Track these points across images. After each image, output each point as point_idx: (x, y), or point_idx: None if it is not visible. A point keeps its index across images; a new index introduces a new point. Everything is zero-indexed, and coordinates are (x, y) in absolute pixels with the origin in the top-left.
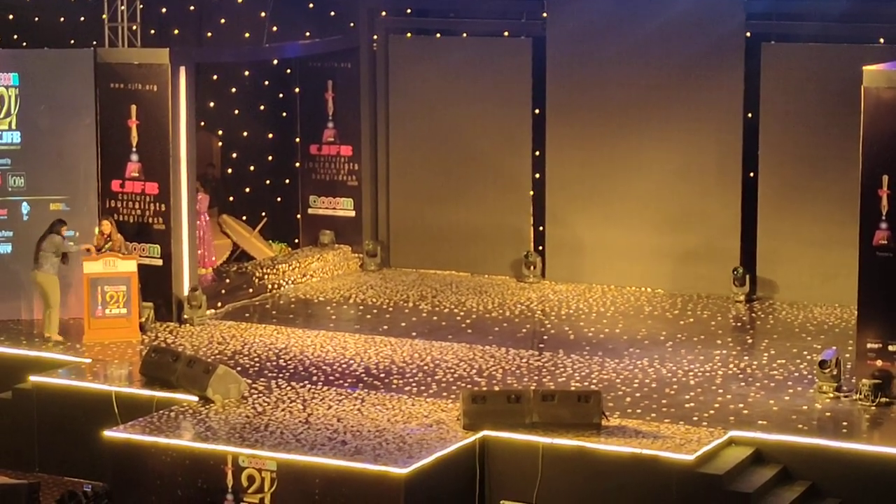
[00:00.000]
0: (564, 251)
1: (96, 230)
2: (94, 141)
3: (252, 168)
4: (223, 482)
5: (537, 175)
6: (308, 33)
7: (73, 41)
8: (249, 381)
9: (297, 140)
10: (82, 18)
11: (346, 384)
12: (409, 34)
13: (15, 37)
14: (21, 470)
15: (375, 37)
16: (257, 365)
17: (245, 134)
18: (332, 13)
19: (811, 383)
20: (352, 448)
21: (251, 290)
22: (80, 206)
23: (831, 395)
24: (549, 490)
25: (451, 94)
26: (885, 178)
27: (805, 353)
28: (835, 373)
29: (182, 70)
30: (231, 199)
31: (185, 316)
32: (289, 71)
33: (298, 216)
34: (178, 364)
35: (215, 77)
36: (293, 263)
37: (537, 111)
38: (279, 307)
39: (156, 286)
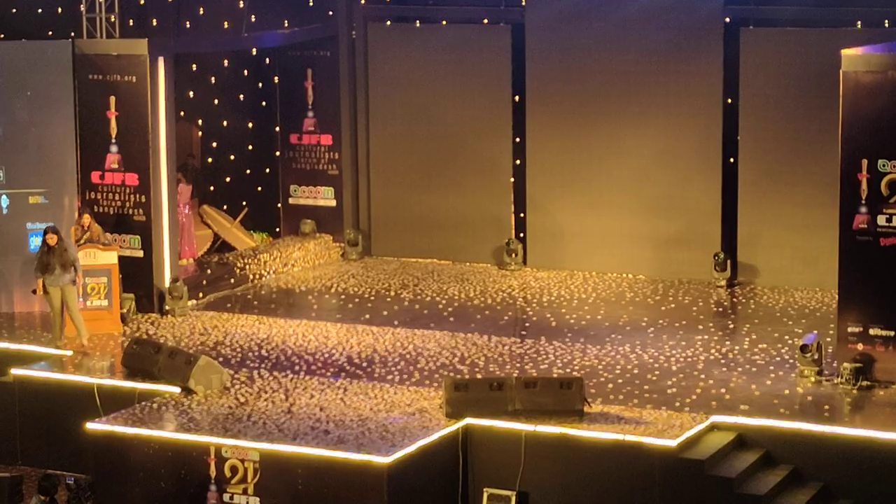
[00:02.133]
0: (545, 238)
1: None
2: (73, 133)
3: (232, 158)
4: (206, 473)
5: (518, 162)
6: (287, 22)
7: (50, 32)
8: (231, 372)
9: (277, 129)
10: (60, 10)
11: (329, 373)
12: (388, 22)
13: None
14: (3, 463)
15: (354, 25)
16: (239, 355)
17: (225, 124)
18: (311, 2)
19: (793, 368)
20: (334, 437)
21: (233, 281)
22: (59, 198)
23: (813, 379)
24: (533, 477)
25: (431, 82)
26: (865, 162)
27: (786, 337)
28: (816, 357)
29: (161, 60)
30: (212, 189)
31: (167, 307)
32: (268, 60)
33: (279, 206)
34: (160, 355)
35: (194, 67)
36: (274, 253)
37: (517, 98)
38: (261, 297)
39: (137, 277)
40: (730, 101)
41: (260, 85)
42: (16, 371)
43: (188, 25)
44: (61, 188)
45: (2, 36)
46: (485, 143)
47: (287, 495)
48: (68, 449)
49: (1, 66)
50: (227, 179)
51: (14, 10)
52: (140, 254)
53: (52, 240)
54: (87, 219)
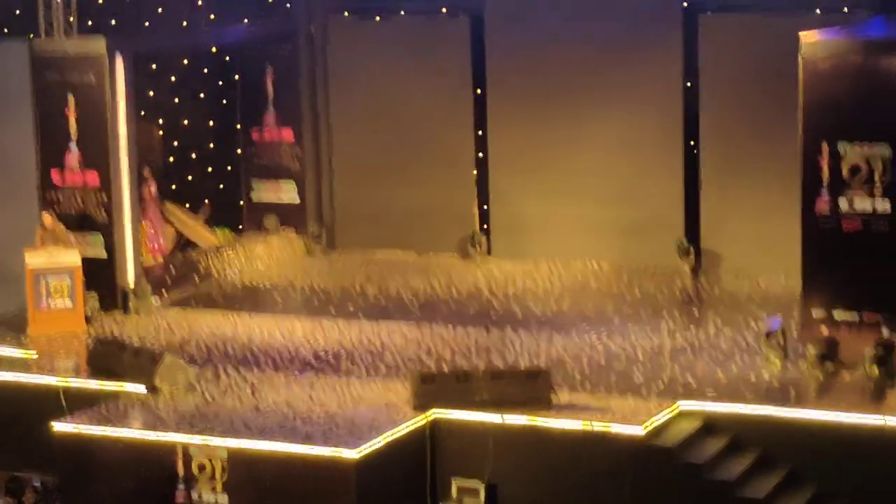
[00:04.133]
0: (509, 228)
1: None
2: (31, 133)
3: (194, 156)
4: (174, 471)
5: (480, 154)
6: (246, 20)
7: (6, 30)
8: (197, 370)
9: (238, 126)
10: (17, 12)
11: (295, 369)
12: (346, 13)
13: None
14: None
15: (313, 18)
16: (205, 353)
17: (186, 122)
18: None
19: (758, 353)
20: (303, 433)
21: (197, 278)
22: (19, 199)
23: (779, 364)
24: (502, 468)
25: (392, 75)
26: (825, 147)
27: (751, 322)
28: (781, 342)
29: (119, 59)
30: (174, 187)
31: (131, 306)
32: (228, 58)
33: (241, 202)
34: (125, 354)
35: (154, 66)
36: (238, 250)
37: (478, 91)
38: (225, 294)
39: (100, 277)
40: (689, 85)
41: (220, 83)
42: None
43: (147, 24)
44: (21, 189)
45: None
46: (447, 135)
47: (256, 492)
48: (35, 450)
49: None
50: (189, 178)
51: None
52: (103, 253)
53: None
54: (48, 218)
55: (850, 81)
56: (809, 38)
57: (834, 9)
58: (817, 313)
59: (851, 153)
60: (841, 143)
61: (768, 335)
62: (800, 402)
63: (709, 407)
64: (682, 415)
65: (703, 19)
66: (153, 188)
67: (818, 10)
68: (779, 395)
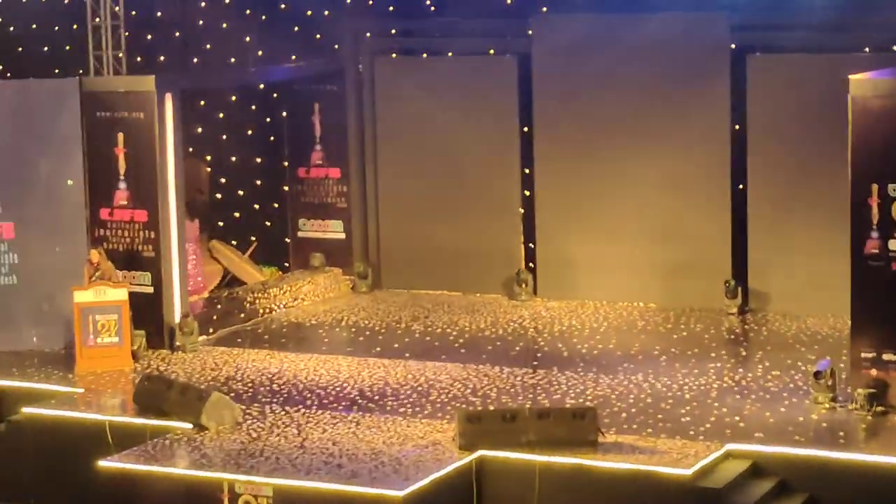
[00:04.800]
0: (555, 268)
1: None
2: (81, 170)
3: (241, 193)
4: None
5: (527, 192)
6: (294, 57)
7: (57, 70)
8: (243, 407)
9: (285, 164)
10: (67, 48)
11: (341, 407)
12: (394, 55)
13: None
14: (15, 502)
15: (361, 58)
16: (251, 390)
17: (233, 159)
18: (318, 36)
19: (806, 394)
20: (348, 471)
21: (243, 315)
22: (68, 235)
23: (827, 405)
24: None
25: (439, 114)
26: (875, 188)
27: (799, 363)
28: (830, 383)
29: (168, 96)
30: (220, 224)
31: (177, 343)
32: (275, 95)
33: (288, 240)
34: (172, 392)
35: (202, 103)
36: (284, 287)
37: (525, 129)
38: (271, 331)
39: (147, 314)
40: (738, 127)
41: (268, 120)
42: (27, 409)
43: (195, 61)
44: (70, 226)
45: (9, 75)
46: (493, 174)
47: None
48: (80, 487)
49: (9, 106)
50: (236, 214)
51: (20, 49)
52: (150, 290)
53: (96, 256)
54: (95, 255)
55: None
56: (859, 78)
57: (883, 48)
58: (866, 355)
59: None
60: (891, 184)
61: (817, 376)
62: (848, 444)
63: (756, 448)
64: (730, 456)
65: (752, 60)
66: (193, 226)
67: (867, 49)
68: (827, 437)
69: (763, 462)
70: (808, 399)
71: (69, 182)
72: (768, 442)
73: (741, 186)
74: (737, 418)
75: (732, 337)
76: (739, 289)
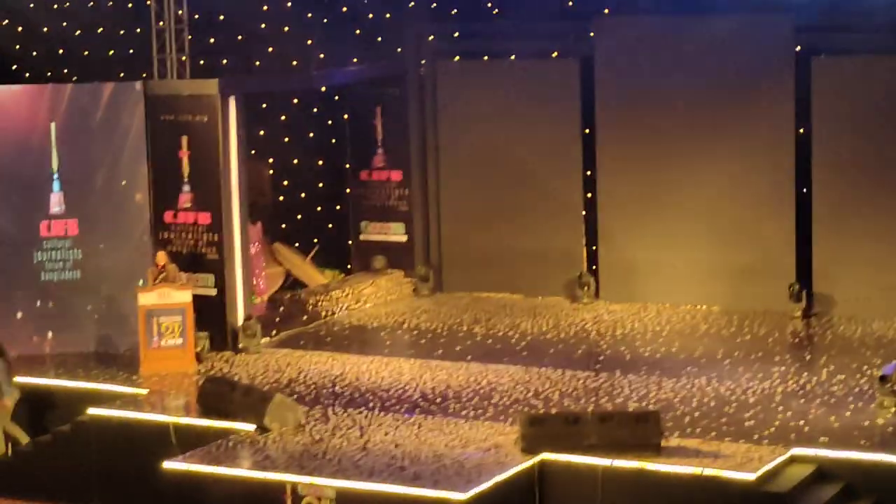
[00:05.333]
0: (618, 271)
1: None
2: (146, 173)
3: (303, 195)
4: None
5: (589, 195)
6: (355, 59)
7: (122, 74)
8: (306, 409)
9: (347, 166)
10: (131, 51)
11: (403, 410)
12: (456, 57)
13: (65, 71)
14: (80, 502)
15: (423, 61)
16: (313, 392)
17: (295, 161)
18: (379, 38)
19: (872, 398)
20: (410, 474)
21: (305, 318)
22: (133, 238)
23: (893, 409)
24: None
25: (500, 117)
26: None
27: (865, 367)
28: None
29: (231, 100)
30: (283, 226)
31: (241, 345)
32: (337, 97)
33: (350, 242)
34: (235, 393)
35: (264, 105)
36: (346, 290)
37: (587, 130)
38: (333, 334)
39: (210, 316)
40: (802, 130)
41: (329, 122)
42: (92, 410)
43: (258, 64)
44: (135, 228)
45: (75, 79)
46: (555, 176)
47: None
48: (145, 488)
49: (74, 109)
50: (299, 217)
51: (86, 53)
52: (213, 292)
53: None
54: (161, 257)
55: None
56: None
57: None
58: None
59: None
60: None
61: (883, 380)
62: None
63: (822, 453)
64: (795, 460)
65: (817, 62)
66: (255, 229)
67: None
68: (893, 441)
69: (828, 466)
70: (873, 403)
71: (123, 182)
72: (833, 446)
73: (805, 189)
74: (801, 422)
75: (797, 340)
76: (804, 292)
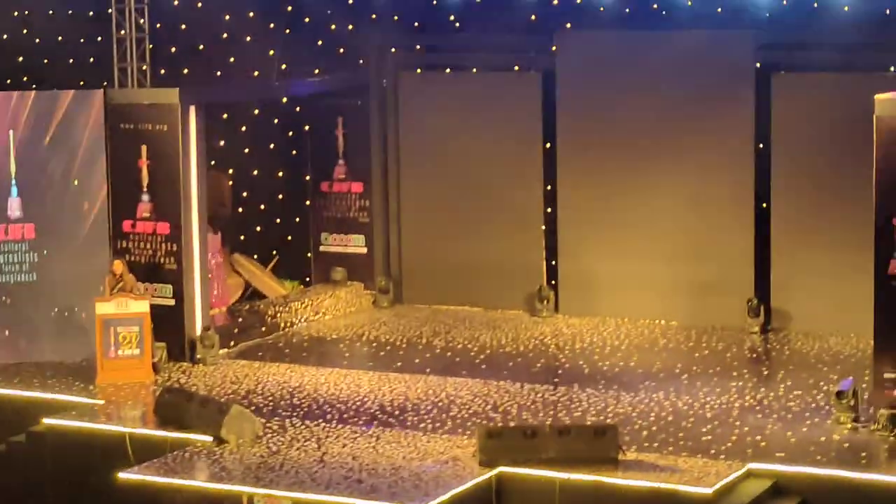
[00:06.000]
0: (577, 285)
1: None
2: (105, 182)
3: (263, 206)
4: None
5: (549, 209)
6: (317, 70)
7: (82, 83)
8: (263, 421)
9: (308, 178)
10: (91, 59)
11: (361, 422)
12: (418, 70)
13: (24, 79)
14: None
15: (385, 73)
16: (271, 404)
17: (255, 172)
18: (342, 50)
19: (828, 414)
20: (367, 486)
21: (264, 329)
22: (90, 247)
23: (849, 425)
24: None
25: (462, 129)
26: None
27: (822, 383)
28: (852, 403)
29: (192, 109)
30: (242, 238)
31: (198, 356)
32: (298, 109)
33: (310, 254)
34: (192, 404)
35: (225, 116)
36: (305, 301)
37: (548, 145)
38: (292, 345)
39: (168, 326)
40: (761, 146)
41: (290, 133)
42: (48, 420)
43: (219, 74)
44: (92, 237)
45: (34, 87)
46: (516, 190)
47: None
48: (100, 498)
49: (33, 116)
50: (258, 228)
51: (46, 61)
52: (171, 302)
53: (119, 267)
54: (118, 266)
55: None
56: (885, 97)
57: None
58: (889, 375)
59: None
60: None
61: (839, 396)
62: (870, 465)
63: (778, 468)
64: (751, 475)
65: (777, 79)
66: (215, 240)
67: (893, 69)
68: (849, 457)
69: (784, 482)
70: (830, 419)
71: (76, 187)
72: (790, 461)
73: (764, 205)
74: (758, 437)
75: (754, 356)
76: (762, 307)
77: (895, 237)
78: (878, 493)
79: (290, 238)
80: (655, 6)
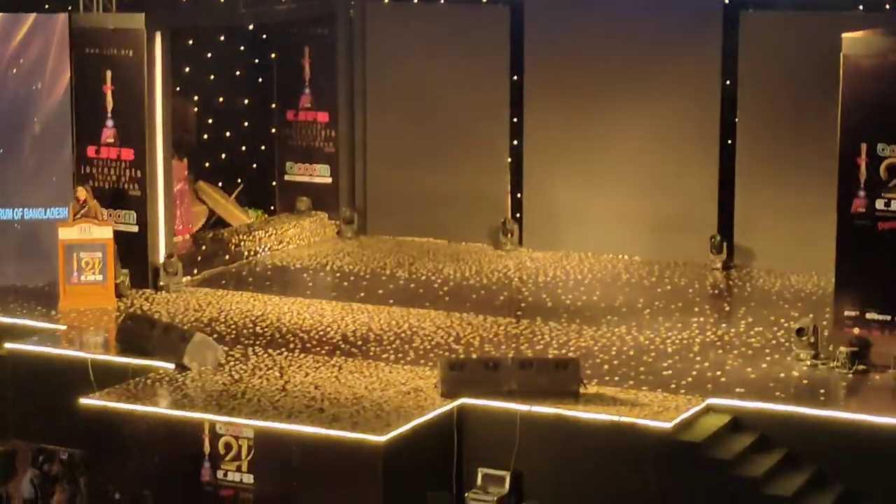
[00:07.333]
0: (541, 218)
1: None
2: (69, 106)
3: (228, 134)
4: (200, 449)
5: (515, 142)
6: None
7: (47, 6)
8: (226, 349)
9: (274, 106)
10: None
11: (324, 351)
12: (386, 0)
13: None
14: None
15: (353, 3)
16: (234, 332)
17: (221, 100)
18: None
19: (788, 351)
20: (329, 416)
21: (227, 257)
22: (54, 172)
23: (809, 362)
24: (527, 457)
25: (429, 61)
26: (864, 147)
27: (782, 320)
28: (812, 340)
29: (158, 35)
30: (207, 165)
31: (161, 283)
32: (265, 36)
33: (274, 183)
34: (155, 331)
35: (190, 42)
36: (269, 230)
37: (515, 77)
38: (255, 274)
39: (132, 253)
40: (728, 83)
41: (256, 61)
42: (9, 345)
43: (185, 0)
44: (56, 163)
45: None
46: (483, 122)
47: (281, 473)
48: (62, 424)
49: None
50: (223, 156)
51: None
52: (135, 229)
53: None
54: (82, 192)
55: (892, 81)
56: (852, 36)
57: (876, 7)
58: (849, 313)
59: (890, 153)
60: (880, 143)
61: (799, 333)
62: (829, 402)
63: (737, 404)
64: (711, 410)
65: (744, 16)
66: (181, 167)
67: (861, 7)
68: (808, 394)
69: (743, 417)
70: (789, 356)
71: (35, 118)
72: (749, 397)
73: (729, 141)
74: (718, 373)
75: (716, 292)
76: (725, 244)
77: (859, 176)
78: (835, 429)
79: (254, 166)
80: None
